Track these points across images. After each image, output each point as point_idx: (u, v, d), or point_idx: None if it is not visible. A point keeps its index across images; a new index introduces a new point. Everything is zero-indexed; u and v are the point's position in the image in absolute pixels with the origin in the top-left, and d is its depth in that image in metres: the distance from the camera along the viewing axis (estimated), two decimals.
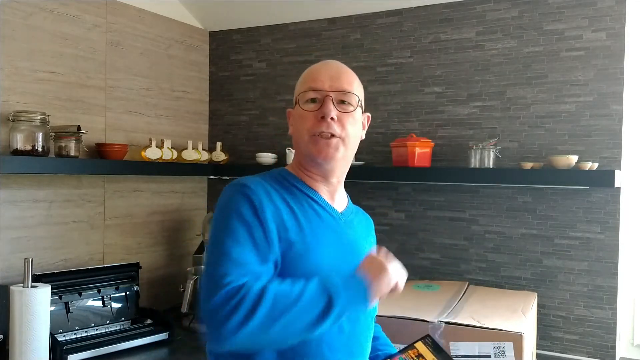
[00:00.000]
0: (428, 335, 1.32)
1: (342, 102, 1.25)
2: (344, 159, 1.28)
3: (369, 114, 1.36)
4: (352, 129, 1.26)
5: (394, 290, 1.14)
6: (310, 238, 1.20)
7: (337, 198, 1.33)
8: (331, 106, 1.22)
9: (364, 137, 1.34)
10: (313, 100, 1.24)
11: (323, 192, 1.30)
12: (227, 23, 2.98)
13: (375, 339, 1.44)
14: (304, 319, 1.06)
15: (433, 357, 1.26)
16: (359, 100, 1.28)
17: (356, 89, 1.28)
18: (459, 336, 1.75)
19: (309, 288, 1.08)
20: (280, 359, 1.15)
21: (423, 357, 1.27)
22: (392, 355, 1.32)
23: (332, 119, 1.22)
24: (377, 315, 1.42)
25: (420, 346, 1.30)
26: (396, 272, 1.15)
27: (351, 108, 1.26)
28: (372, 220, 1.49)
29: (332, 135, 1.23)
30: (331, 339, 1.19)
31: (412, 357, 1.28)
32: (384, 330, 1.52)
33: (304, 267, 1.16)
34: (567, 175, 2.07)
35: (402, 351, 1.32)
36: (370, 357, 1.37)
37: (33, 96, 2.22)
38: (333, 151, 1.23)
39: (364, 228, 1.41)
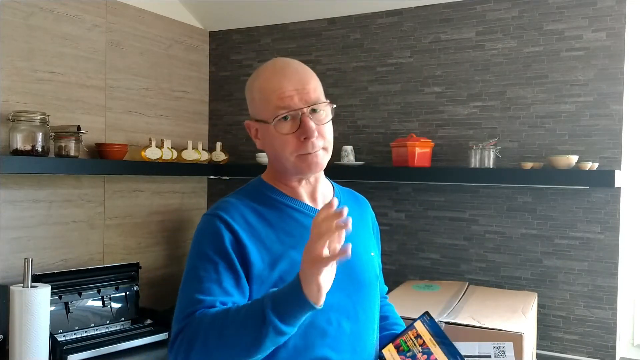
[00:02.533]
0: (426, 313, 1.33)
1: (314, 110, 1.20)
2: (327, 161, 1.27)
3: (332, 105, 1.26)
4: (330, 134, 1.24)
5: (323, 260, 0.97)
6: (292, 251, 1.18)
7: (320, 194, 1.31)
8: (311, 125, 1.17)
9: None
10: (285, 118, 1.19)
11: (303, 195, 1.28)
12: (227, 23, 2.98)
13: (384, 318, 1.44)
14: (242, 337, 1.04)
15: (430, 336, 1.26)
16: (329, 103, 1.23)
17: (321, 91, 1.23)
18: (459, 336, 1.75)
19: (244, 306, 1.07)
20: None
21: (421, 338, 1.27)
22: (394, 337, 1.33)
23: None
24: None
25: (419, 326, 1.32)
26: (310, 251, 0.99)
27: (325, 115, 1.22)
28: (366, 201, 1.47)
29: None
30: (334, 340, 1.19)
31: (411, 338, 1.29)
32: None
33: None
34: (567, 175, 2.07)
35: (403, 333, 1.33)
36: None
37: (33, 96, 2.22)
38: (321, 163, 1.22)
39: (356, 214, 1.36)
